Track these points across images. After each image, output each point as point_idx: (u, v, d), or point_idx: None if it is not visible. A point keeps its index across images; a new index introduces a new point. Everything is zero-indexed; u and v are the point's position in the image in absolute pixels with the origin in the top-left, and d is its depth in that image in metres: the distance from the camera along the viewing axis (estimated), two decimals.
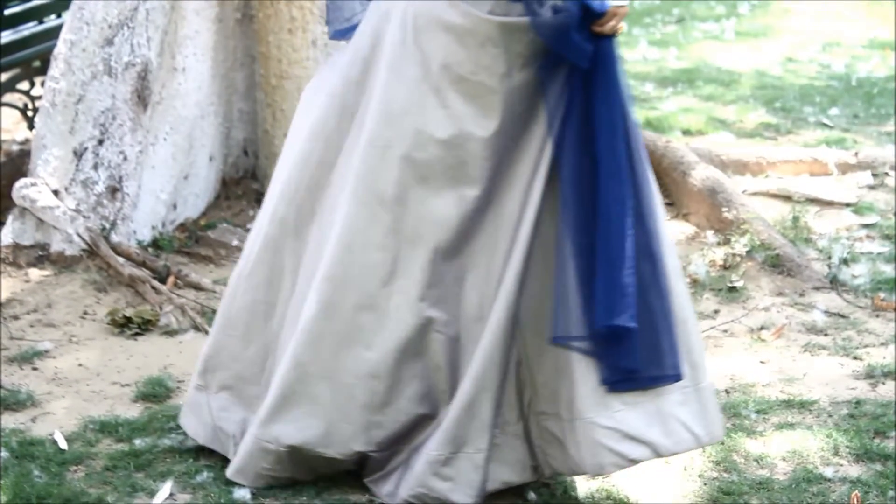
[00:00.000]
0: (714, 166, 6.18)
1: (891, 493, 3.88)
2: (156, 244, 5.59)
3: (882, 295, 5.26)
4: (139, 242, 5.52)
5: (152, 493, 3.82)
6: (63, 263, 5.28)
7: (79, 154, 5.37)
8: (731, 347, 4.88)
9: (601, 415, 3.63)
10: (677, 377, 3.65)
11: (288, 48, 5.86)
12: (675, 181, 6.02)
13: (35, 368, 4.68)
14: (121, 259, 5.25)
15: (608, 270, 3.57)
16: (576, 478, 3.91)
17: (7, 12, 6.40)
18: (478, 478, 3.68)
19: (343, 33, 3.91)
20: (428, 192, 3.66)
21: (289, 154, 3.86)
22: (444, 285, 3.69)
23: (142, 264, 5.30)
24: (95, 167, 5.39)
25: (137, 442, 4.10)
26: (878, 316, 5.15)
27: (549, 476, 3.84)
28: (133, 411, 4.36)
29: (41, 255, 5.33)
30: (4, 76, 6.56)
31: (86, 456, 4.04)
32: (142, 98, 5.47)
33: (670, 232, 3.84)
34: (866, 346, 4.88)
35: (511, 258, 3.63)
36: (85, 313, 5.05)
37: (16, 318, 5.01)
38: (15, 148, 6.66)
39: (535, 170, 3.63)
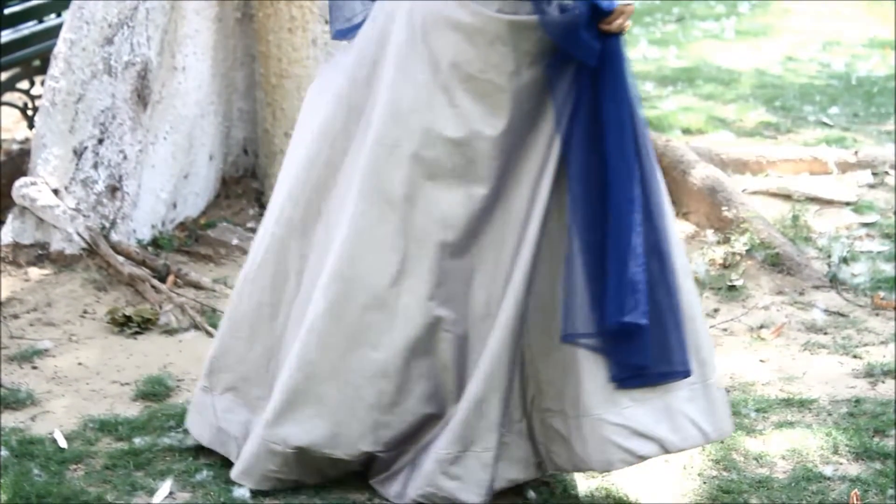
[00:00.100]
0: (714, 165, 6.17)
1: (890, 491, 3.88)
2: (156, 243, 5.58)
3: (882, 294, 5.26)
4: (139, 241, 5.52)
5: (152, 492, 3.82)
6: (63, 262, 5.28)
7: (79, 153, 5.37)
8: (730, 346, 4.88)
9: (609, 411, 3.64)
10: (686, 373, 3.66)
11: (288, 47, 5.85)
12: (674, 180, 6.01)
13: (35, 367, 4.68)
14: (121, 258, 5.25)
15: (619, 268, 3.57)
16: (575, 476, 3.91)
17: (7, 11, 6.39)
18: (486, 476, 3.68)
19: (344, 33, 3.90)
20: (436, 191, 3.65)
21: (295, 155, 3.84)
22: (452, 284, 3.68)
23: (142, 263, 5.30)
24: (95, 166, 5.39)
25: (137, 441, 4.10)
26: (877, 314, 5.15)
27: (554, 471, 3.83)
28: (133, 410, 4.36)
29: (41, 254, 5.32)
30: (4, 75, 6.56)
31: (85, 455, 4.04)
32: (142, 97, 5.47)
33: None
34: (866, 344, 4.88)
35: (519, 256, 3.63)
36: (85, 312, 5.05)
37: (16, 316, 5.00)
38: (15, 147, 6.66)
39: (543, 168, 3.64)
